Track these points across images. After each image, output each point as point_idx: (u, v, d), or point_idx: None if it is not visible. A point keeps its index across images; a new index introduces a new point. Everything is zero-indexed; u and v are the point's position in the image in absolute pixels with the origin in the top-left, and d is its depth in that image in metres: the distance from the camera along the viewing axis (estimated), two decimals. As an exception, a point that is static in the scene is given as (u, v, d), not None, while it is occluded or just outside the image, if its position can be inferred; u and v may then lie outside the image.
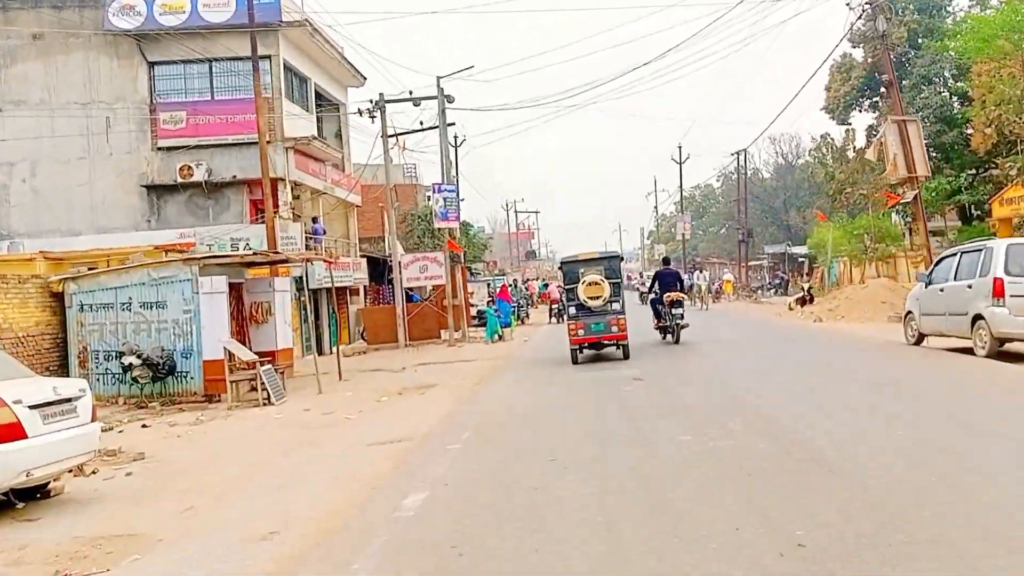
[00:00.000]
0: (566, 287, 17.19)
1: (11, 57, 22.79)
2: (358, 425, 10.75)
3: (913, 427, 7.71)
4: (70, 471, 7.82)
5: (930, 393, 9.94)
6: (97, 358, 14.30)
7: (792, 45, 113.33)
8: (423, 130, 26.78)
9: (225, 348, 13.58)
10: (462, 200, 30.96)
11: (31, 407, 6.77)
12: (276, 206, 20.54)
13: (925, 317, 14.36)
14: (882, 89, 33.56)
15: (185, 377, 13.92)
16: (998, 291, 12.01)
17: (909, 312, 15.11)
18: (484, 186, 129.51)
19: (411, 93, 25.86)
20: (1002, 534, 4.57)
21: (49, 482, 7.40)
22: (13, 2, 22.73)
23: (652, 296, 19.44)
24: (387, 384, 15.01)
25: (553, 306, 34.15)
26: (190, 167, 22.24)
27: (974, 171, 31.11)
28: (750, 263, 52.30)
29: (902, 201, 24.67)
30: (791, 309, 28.81)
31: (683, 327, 18.32)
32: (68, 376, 13.75)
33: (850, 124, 38.32)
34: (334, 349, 18.56)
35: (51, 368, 14.06)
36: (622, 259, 18.84)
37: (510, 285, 36.56)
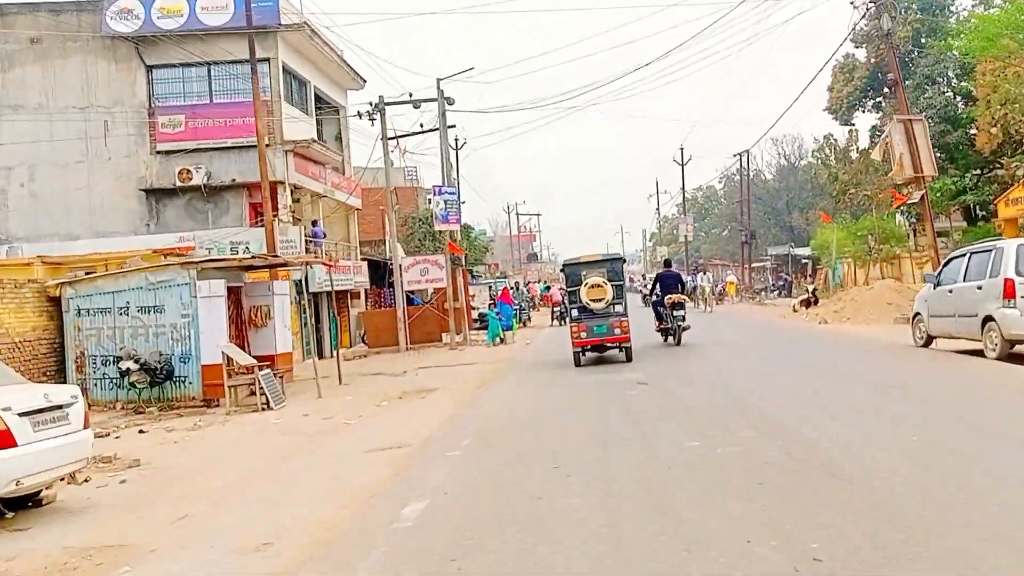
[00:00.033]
0: (568, 289, 17.10)
1: (9, 61, 22.71)
2: (358, 430, 10.59)
3: (922, 429, 7.55)
4: (63, 479, 7.65)
5: (939, 395, 9.77)
6: (94, 363, 14.15)
7: (795, 44, 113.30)
8: (423, 132, 26.69)
9: (223, 352, 13.44)
10: (463, 202, 30.86)
11: (21, 414, 6.59)
12: (276, 209, 20.43)
13: (934, 319, 14.16)
14: (885, 89, 33.46)
15: (183, 382, 13.76)
16: (1009, 292, 11.83)
17: (917, 314, 14.92)
18: (485, 188, 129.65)
19: (411, 95, 25.80)
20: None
21: (41, 491, 7.22)
22: (11, 6, 22.66)
23: (654, 298, 19.36)
24: (387, 388, 14.85)
25: (555, 309, 34.02)
26: (189, 171, 22.14)
27: (979, 171, 30.93)
28: (753, 265, 52.08)
29: (909, 201, 24.48)
30: (795, 311, 28.61)
31: (684, 329, 18.29)
32: (65, 381, 13.64)
33: (853, 125, 38.26)
34: (334, 353, 18.42)
35: (48, 373, 13.94)
36: (624, 261, 18.74)
37: (512, 288, 36.41)
